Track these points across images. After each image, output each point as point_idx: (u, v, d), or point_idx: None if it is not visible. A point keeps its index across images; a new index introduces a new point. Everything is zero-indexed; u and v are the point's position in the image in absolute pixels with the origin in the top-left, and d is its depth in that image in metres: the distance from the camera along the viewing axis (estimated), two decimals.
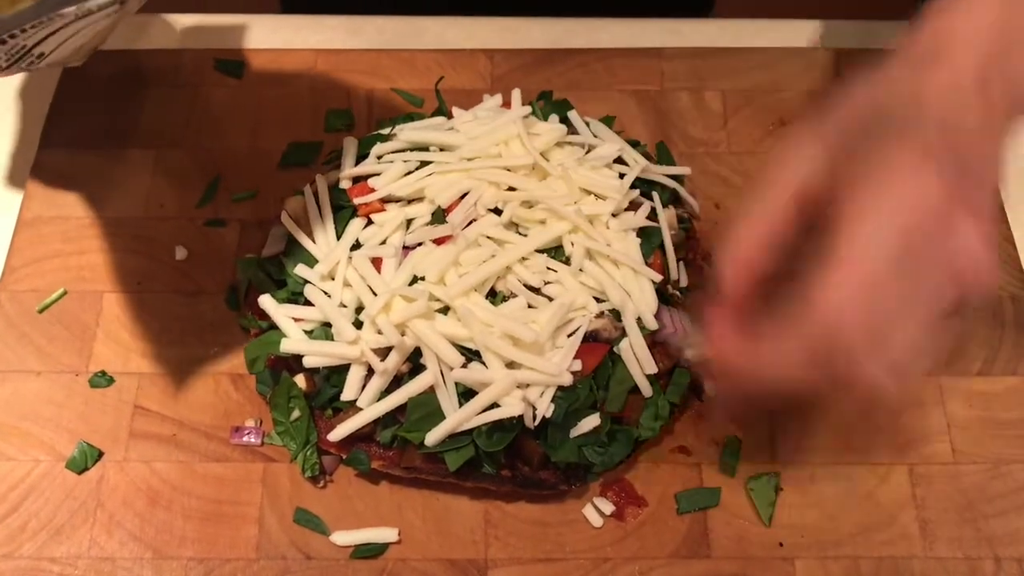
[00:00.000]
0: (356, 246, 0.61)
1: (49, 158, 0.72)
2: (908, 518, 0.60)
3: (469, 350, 0.57)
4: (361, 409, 0.57)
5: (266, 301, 0.61)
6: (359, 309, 0.58)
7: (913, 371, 0.47)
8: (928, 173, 0.47)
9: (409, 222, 0.62)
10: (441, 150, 0.65)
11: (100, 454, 0.61)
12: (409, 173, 0.63)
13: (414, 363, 0.57)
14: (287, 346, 0.58)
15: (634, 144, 0.68)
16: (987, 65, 0.49)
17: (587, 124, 0.68)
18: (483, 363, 0.56)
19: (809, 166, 0.50)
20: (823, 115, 0.51)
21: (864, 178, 0.47)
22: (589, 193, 0.62)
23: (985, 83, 0.49)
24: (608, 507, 0.59)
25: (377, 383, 0.57)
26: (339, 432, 0.57)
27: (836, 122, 0.51)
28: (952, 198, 0.46)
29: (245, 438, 0.61)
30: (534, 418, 0.56)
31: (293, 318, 0.60)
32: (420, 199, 0.62)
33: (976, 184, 0.48)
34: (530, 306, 0.58)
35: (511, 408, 0.55)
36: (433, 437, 0.56)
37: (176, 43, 0.79)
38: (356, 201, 0.62)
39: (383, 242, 0.61)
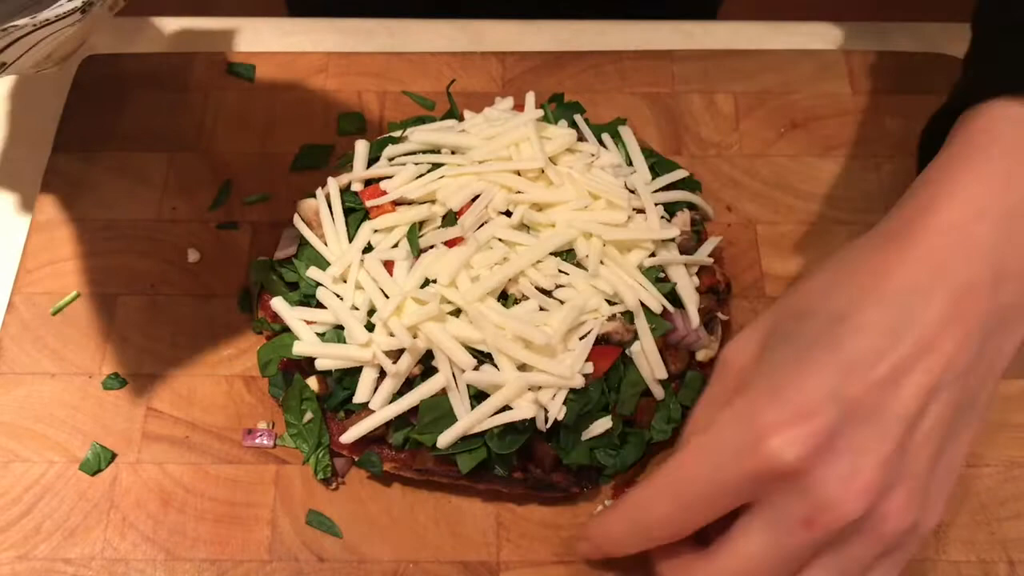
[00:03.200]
0: (368, 249, 0.61)
1: (62, 162, 0.72)
2: None
3: (481, 352, 0.57)
4: (373, 411, 0.57)
5: (278, 304, 0.61)
6: (371, 312, 0.58)
7: None
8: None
9: (421, 224, 0.62)
10: (452, 153, 0.65)
11: (113, 456, 0.61)
12: (421, 176, 0.63)
13: (426, 365, 0.57)
14: (299, 348, 0.59)
15: (647, 153, 0.68)
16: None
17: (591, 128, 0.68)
18: (495, 366, 0.56)
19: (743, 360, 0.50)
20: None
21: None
22: (598, 198, 0.62)
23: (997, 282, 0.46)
24: None
25: (389, 385, 0.57)
26: (351, 434, 0.58)
27: (772, 314, 0.51)
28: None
29: (257, 440, 0.62)
30: (546, 421, 0.56)
31: (305, 321, 0.60)
32: (432, 201, 0.63)
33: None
34: (541, 308, 0.58)
35: (523, 411, 0.55)
36: (445, 439, 0.56)
37: (188, 47, 0.79)
38: (368, 204, 0.62)
39: (395, 245, 0.61)
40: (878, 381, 0.45)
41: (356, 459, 0.59)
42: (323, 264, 0.61)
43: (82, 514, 0.59)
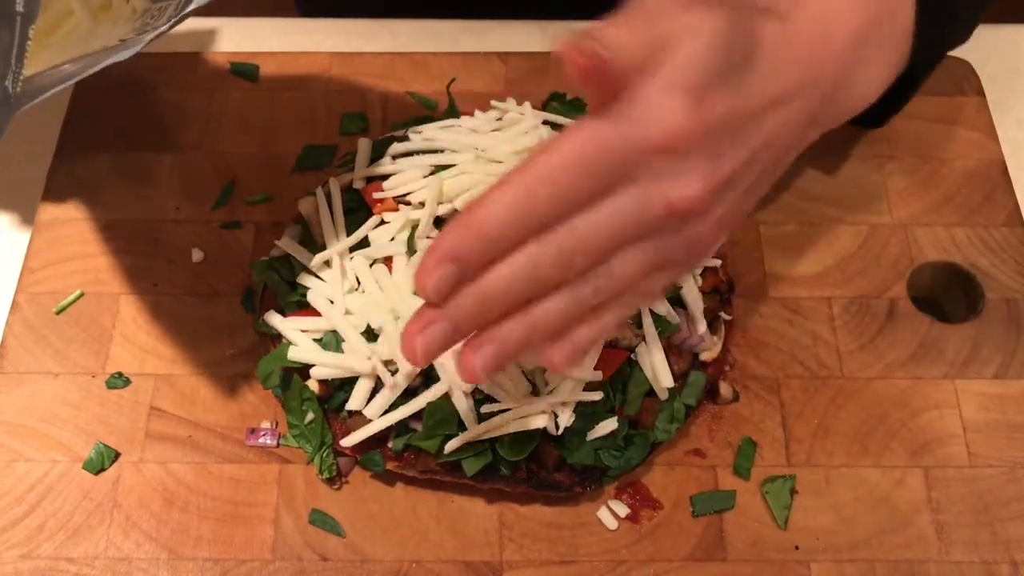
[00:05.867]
0: (366, 244, 0.62)
1: (66, 161, 0.72)
2: (924, 521, 0.59)
3: None
4: (371, 418, 0.57)
5: (273, 318, 0.61)
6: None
7: None
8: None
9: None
10: (455, 152, 0.65)
11: (117, 455, 0.61)
12: (428, 176, 0.63)
13: (426, 371, 0.57)
14: (295, 354, 0.58)
15: None
16: None
17: None
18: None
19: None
20: None
21: None
22: None
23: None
24: (623, 510, 0.59)
25: (386, 395, 0.57)
26: (351, 439, 0.58)
27: None
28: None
29: (260, 439, 0.62)
30: (557, 428, 0.56)
31: (302, 329, 0.60)
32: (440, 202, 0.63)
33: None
34: None
35: (535, 420, 0.55)
36: (451, 446, 0.56)
37: (191, 47, 0.79)
38: (375, 196, 0.62)
39: (392, 239, 0.61)
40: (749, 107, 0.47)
41: (359, 459, 0.59)
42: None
43: (85, 513, 0.59)
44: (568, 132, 0.45)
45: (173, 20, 0.53)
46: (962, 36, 0.65)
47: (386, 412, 0.57)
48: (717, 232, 0.48)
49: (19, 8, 0.48)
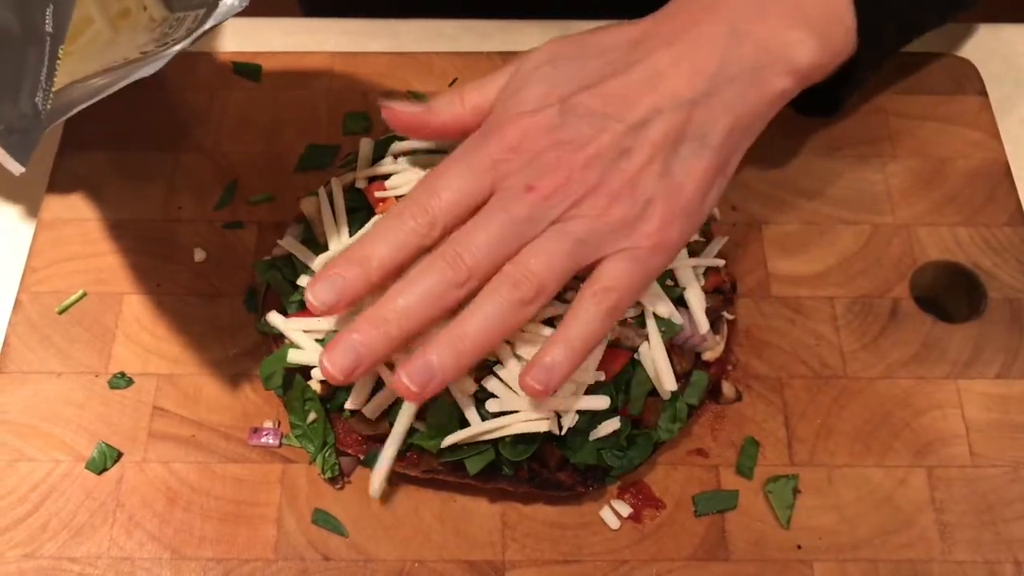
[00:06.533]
0: None
1: (68, 161, 0.72)
2: (927, 521, 0.59)
3: None
4: (369, 416, 0.57)
5: (275, 319, 0.61)
6: None
7: None
8: None
9: None
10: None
11: (119, 455, 0.61)
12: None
13: None
14: (294, 357, 0.58)
15: None
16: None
17: None
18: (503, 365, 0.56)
19: None
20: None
21: None
22: None
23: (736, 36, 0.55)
24: (625, 509, 0.59)
25: (385, 395, 0.57)
26: (376, 485, 0.58)
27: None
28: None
29: (263, 439, 0.62)
30: (560, 428, 0.56)
31: (304, 330, 0.60)
32: None
33: None
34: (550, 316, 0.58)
35: (538, 424, 0.55)
36: (450, 441, 0.56)
37: (194, 47, 0.79)
38: (377, 195, 0.62)
39: None
40: (608, 92, 0.54)
41: (362, 458, 0.59)
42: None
43: (88, 513, 0.59)
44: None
45: (193, 34, 0.53)
46: (916, 29, 0.67)
47: (386, 412, 0.58)
48: (634, 209, 0.52)
49: (48, 28, 0.49)
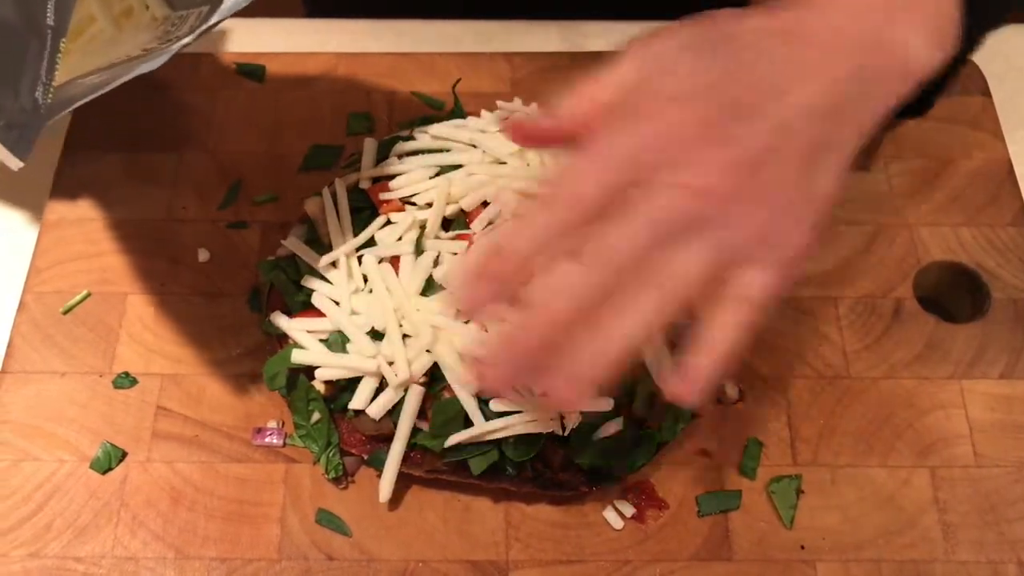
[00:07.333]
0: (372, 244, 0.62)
1: (73, 161, 0.73)
2: (930, 521, 0.59)
3: None
4: (372, 416, 0.58)
5: (279, 319, 0.61)
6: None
7: None
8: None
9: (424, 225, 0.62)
10: (462, 152, 0.65)
11: (123, 454, 0.61)
12: (435, 176, 0.63)
13: (431, 373, 0.57)
14: (299, 357, 0.59)
15: None
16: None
17: None
18: None
19: None
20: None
21: None
22: None
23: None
24: (629, 509, 0.59)
25: (389, 395, 0.57)
26: (385, 490, 0.58)
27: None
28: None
29: (267, 439, 0.62)
30: (563, 429, 0.56)
31: (308, 330, 0.60)
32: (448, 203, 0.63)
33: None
34: None
35: (542, 424, 0.55)
36: (453, 440, 0.56)
37: (198, 47, 0.79)
38: (381, 196, 0.62)
39: (400, 238, 0.61)
40: (757, 86, 0.50)
41: (366, 458, 0.59)
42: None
43: (92, 512, 0.59)
44: (578, 153, 0.49)
45: (197, 31, 0.53)
46: (1002, 23, 0.63)
47: (390, 412, 0.58)
48: (780, 218, 0.49)
49: (50, 22, 0.49)
